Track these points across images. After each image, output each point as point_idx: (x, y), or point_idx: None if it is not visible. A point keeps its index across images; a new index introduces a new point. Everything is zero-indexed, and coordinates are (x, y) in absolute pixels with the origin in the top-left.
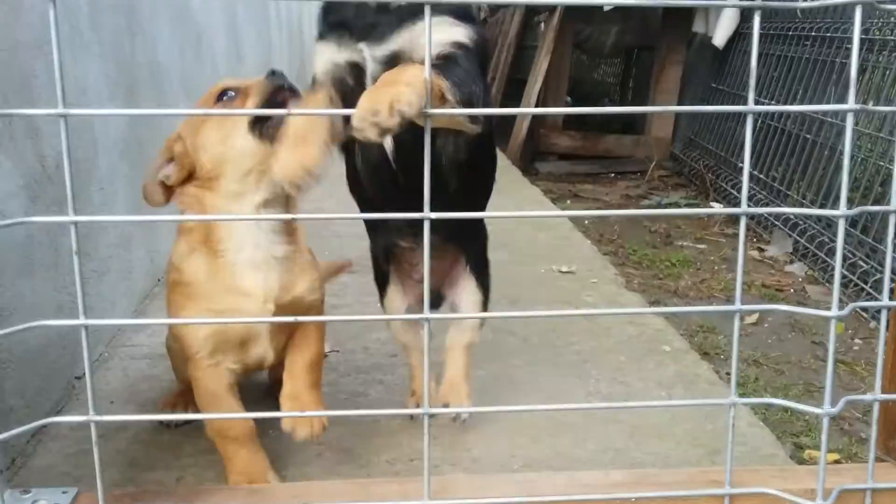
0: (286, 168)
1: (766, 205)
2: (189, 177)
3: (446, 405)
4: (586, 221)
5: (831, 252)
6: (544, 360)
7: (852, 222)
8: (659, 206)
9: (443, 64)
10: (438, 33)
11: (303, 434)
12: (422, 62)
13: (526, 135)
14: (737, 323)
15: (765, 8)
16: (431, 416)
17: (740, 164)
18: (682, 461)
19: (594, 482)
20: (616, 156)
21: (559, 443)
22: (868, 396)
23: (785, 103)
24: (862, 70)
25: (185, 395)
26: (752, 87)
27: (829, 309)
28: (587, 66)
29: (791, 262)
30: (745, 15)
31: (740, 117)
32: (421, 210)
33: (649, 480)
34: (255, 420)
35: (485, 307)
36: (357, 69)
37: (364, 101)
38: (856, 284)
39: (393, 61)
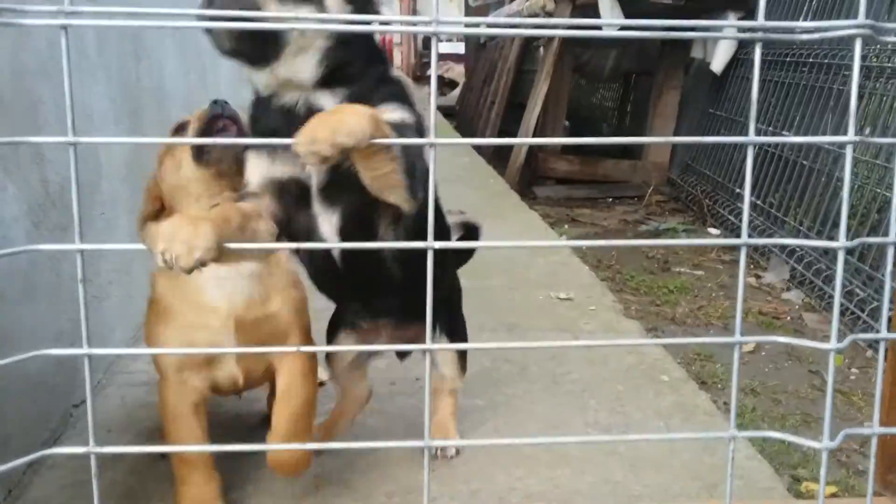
0: None
1: (764, 231)
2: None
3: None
4: (584, 246)
5: (828, 279)
6: (542, 389)
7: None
8: (656, 231)
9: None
10: (387, 113)
11: (284, 474)
12: None
13: (524, 159)
14: (736, 355)
15: (765, 40)
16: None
17: (738, 190)
18: (680, 494)
19: None
20: (614, 181)
21: (558, 475)
22: (867, 430)
23: (783, 129)
24: (860, 96)
25: None
26: (753, 118)
27: (827, 339)
28: (586, 91)
29: (788, 289)
30: (743, 41)
31: (738, 147)
32: (372, 304)
33: None
34: (253, 452)
35: (463, 363)
36: (297, 183)
37: (306, 128)
38: (852, 313)
39: (336, 166)
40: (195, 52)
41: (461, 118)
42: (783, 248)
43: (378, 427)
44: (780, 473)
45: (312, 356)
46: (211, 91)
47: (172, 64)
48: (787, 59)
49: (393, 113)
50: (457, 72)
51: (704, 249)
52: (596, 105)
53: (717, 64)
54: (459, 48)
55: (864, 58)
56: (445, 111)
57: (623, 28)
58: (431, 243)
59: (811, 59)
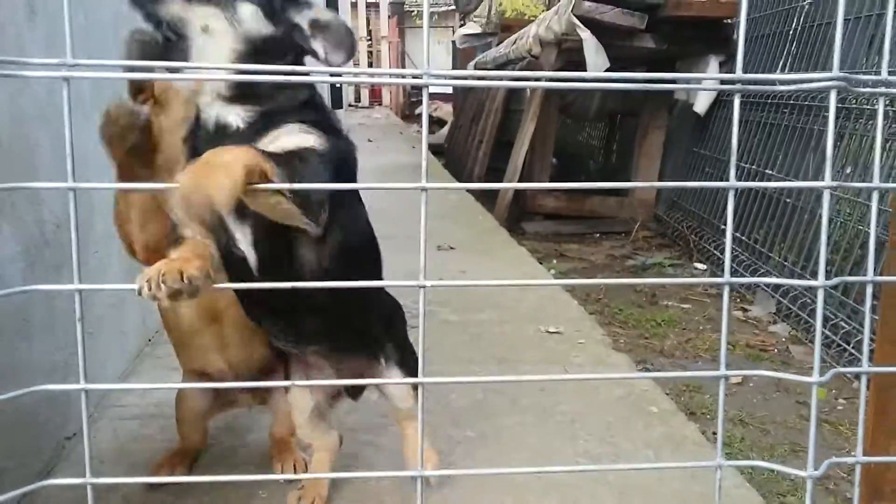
0: None
1: (749, 266)
2: None
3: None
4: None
5: (814, 313)
6: (533, 421)
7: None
8: (643, 265)
9: (286, 157)
10: (287, 140)
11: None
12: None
13: (513, 196)
14: (722, 387)
15: (743, 91)
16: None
17: (722, 227)
18: None
19: None
20: (601, 216)
21: (546, 500)
22: (850, 458)
23: (765, 168)
24: (840, 136)
25: (177, 457)
26: (733, 164)
27: (811, 373)
28: (572, 129)
29: (774, 322)
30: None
31: (721, 180)
32: (296, 326)
33: None
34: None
35: (415, 390)
36: None
37: (180, 188)
38: (838, 345)
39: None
40: None
41: (450, 156)
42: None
43: (371, 458)
44: (769, 501)
45: None
46: None
47: None
48: (770, 100)
49: (289, 138)
50: (445, 111)
51: (692, 286)
52: (583, 143)
53: (700, 105)
54: (448, 87)
55: (843, 100)
56: (434, 149)
57: (606, 80)
58: (423, 281)
59: (792, 101)
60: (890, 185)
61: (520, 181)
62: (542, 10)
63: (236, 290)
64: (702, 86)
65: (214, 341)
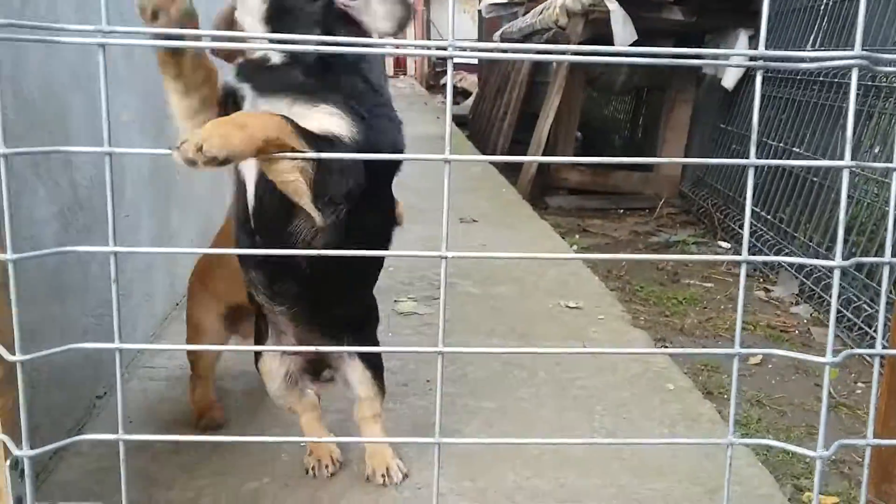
0: None
1: (773, 245)
2: None
3: (373, 471)
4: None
5: (857, 266)
6: (550, 394)
7: (858, 266)
8: (667, 243)
9: (318, 140)
10: (320, 119)
11: None
12: None
13: (536, 170)
14: (735, 366)
15: (766, 68)
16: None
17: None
18: (682, 498)
19: None
20: (625, 192)
21: (564, 476)
22: (860, 441)
23: (792, 146)
24: (869, 116)
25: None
26: (754, 142)
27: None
28: (598, 103)
29: (797, 303)
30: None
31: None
32: (279, 276)
33: None
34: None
35: (380, 382)
36: (235, 96)
37: (206, 127)
38: (860, 328)
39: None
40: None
41: (474, 128)
42: (792, 262)
43: (389, 427)
44: (783, 482)
45: None
46: None
47: None
48: (797, 76)
49: (323, 121)
50: (469, 81)
51: (715, 264)
52: (608, 117)
53: (729, 80)
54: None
55: (873, 77)
56: (458, 120)
57: (632, 54)
58: (444, 252)
59: (821, 78)
60: None
61: (544, 155)
62: None
63: (236, 232)
64: (727, 62)
65: None
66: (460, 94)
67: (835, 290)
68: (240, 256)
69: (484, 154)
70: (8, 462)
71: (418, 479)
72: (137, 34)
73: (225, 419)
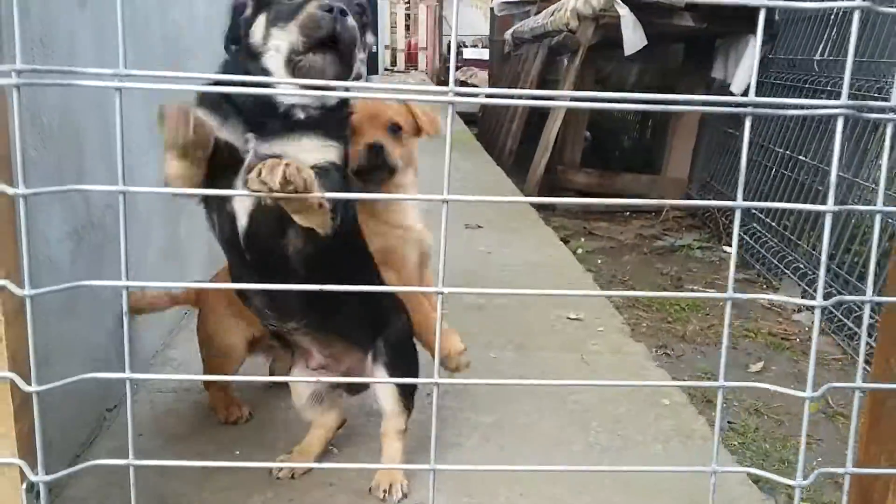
0: None
1: (777, 252)
2: None
3: (377, 485)
4: (598, 261)
5: (838, 304)
6: (548, 409)
7: (859, 276)
8: (672, 247)
9: (318, 172)
10: (315, 152)
11: None
12: None
13: (543, 171)
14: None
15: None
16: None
17: (753, 210)
18: None
19: None
20: (632, 195)
21: (557, 493)
22: (840, 469)
23: (799, 154)
24: (875, 127)
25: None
26: (742, 183)
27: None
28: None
29: (799, 310)
30: (765, 64)
31: (755, 167)
32: (276, 301)
33: None
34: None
35: (407, 400)
36: (232, 150)
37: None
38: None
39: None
40: None
41: (483, 126)
42: (795, 269)
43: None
44: (776, 494)
45: None
46: None
47: None
48: (807, 84)
49: (322, 151)
50: (480, 78)
51: (718, 268)
52: (618, 117)
53: (738, 85)
54: (484, 54)
55: (879, 90)
56: (468, 117)
57: (599, 100)
58: (441, 288)
59: (829, 87)
60: (892, 208)
61: (552, 156)
62: None
63: (224, 252)
64: (709, 108)
65: None
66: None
67: (815, 332)
68: (239, 279)
69: (491, 154)
70: (24, 485)
71: (417, 496)
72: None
73: (248, 412)
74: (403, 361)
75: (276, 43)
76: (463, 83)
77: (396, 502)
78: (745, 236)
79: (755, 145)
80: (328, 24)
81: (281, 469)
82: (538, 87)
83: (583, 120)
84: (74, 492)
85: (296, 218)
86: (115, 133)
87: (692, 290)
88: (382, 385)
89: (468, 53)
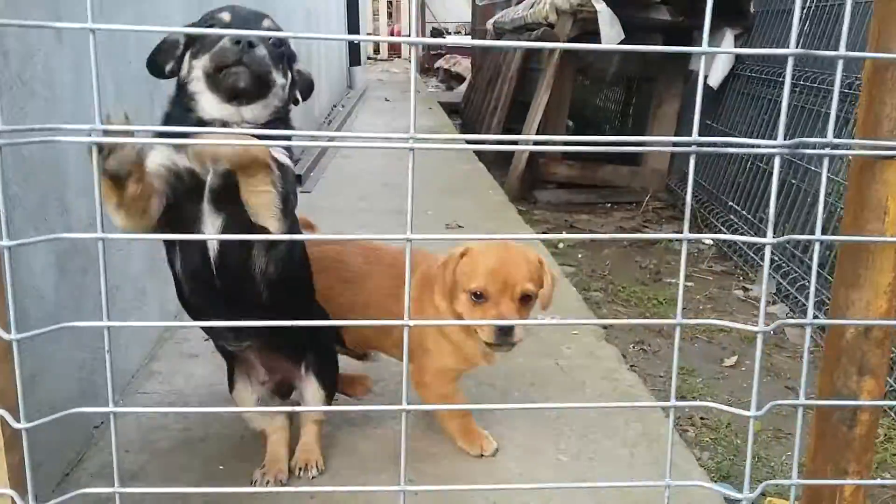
0: None
1: (753, 245)
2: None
3: (306, 463)
4: (579, 255)
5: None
6: (521, 415)
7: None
8: (652, 240)
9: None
10: (277, 153)
11: None
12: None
13: (525, 164)
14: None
15: (698, 153)
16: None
17: (730, 203)
18: None
19: None
20: (613, 186)
21: (527, 500)
22: (786, 481)
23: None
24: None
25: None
26: (688, 218)
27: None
28: (590, 91)
29: (774, 302)
30: (740, 57)
31: (732, 158)
32: (238, 317)
33: None
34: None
35: (328, 400)
36: (193, 177)
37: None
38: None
39: (229, 174)
40: None
41: (466, 118)
42: (771, 261)
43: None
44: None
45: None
46: None
47: None
48: (780, 78)
49: (281, 155)
50: (464, 66)
51: (696, 260)
52: (600, 106)
53: (714, 79)
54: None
55: (849, 85)
56: (452, 107)
57: (578, 142)
58: (407, 322)
59: (801, 82)
60: (829, 237)
61: (532, 151)
62: None
63: (187, 284)
64: (657, 147)
65: None
66: (454, 78)
67: (766, 267)
68: (200, 313)
69: (474, 152)
70: None
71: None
72: (129, 133)
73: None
74: (328, 368)
75: (197, 73)
76: (447, 71)
77: (311, 478)
78: (723, 228)
79: (729, 136)
80: (235, 54)
81: (267, 481)
82: (519, 81)
83: (563, 110)
84: None
85: (247, 195)
86: (96, 196)
87: (670, 284)
88: (311, 390)
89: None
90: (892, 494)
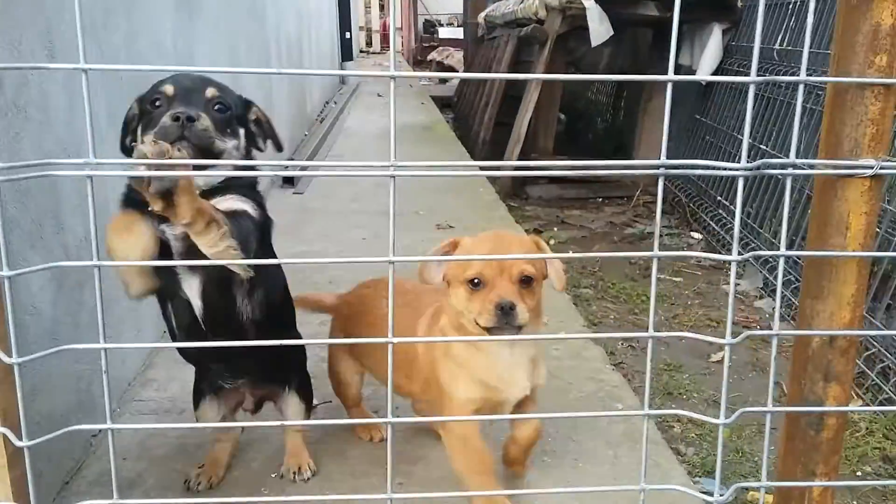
0: None
1: (741, 239)
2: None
3: (298, 467)
4: (570, 251)
5: (797, 291)
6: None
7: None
8: (641, 235)
9: (229, 214)
10: (229, 203)
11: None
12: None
13: (517, 159)
14: (646, 425)
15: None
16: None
17: (719, 197)
18: None
19: None
20: (604, 180)
21: (514, 500)
22: (755, 483)
23: (761, 143)
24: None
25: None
26: (658, 237)
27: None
28: (581, 84)
29: (761, 297)
30: (729, 51)
31: (719, 153)
32: (233, 364)
33: None
34: None
35: (307, 413)
36: (163, 244)
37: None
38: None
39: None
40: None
41: (458, 112)
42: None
43: (356, 455)
44: (728, 484)
45: None
46: None
47: None
48: (768, 74)
49: (233, 203)
50: (457, 59)
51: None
52: (591, 99)
53: (703, 73)
54: (459, 33)
55: None
56: (444, 101)
57: (569, 167)
58: (391, 339)
59: (787, 76)
60: (792, 252)
61: (525, 143)
62: None
63: (177, 334)
64: (626, 172)
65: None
66: (447, 71)
67: (731, 283)
68: (195, 358)
69: (466, 144)
70: None
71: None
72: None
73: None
74: (306, 385)
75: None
76: (440, 64)
77: (306, 480)
78: (711, 223)
79: (718, 131)
80: (175, 132)
81: (199, 482)
82: (511, 68)
83: (554, 106)
84: None
85: (206, 250)
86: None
87: (659, 279)
88: (292, 403)
89: (443, 33)
90: (872, 488)
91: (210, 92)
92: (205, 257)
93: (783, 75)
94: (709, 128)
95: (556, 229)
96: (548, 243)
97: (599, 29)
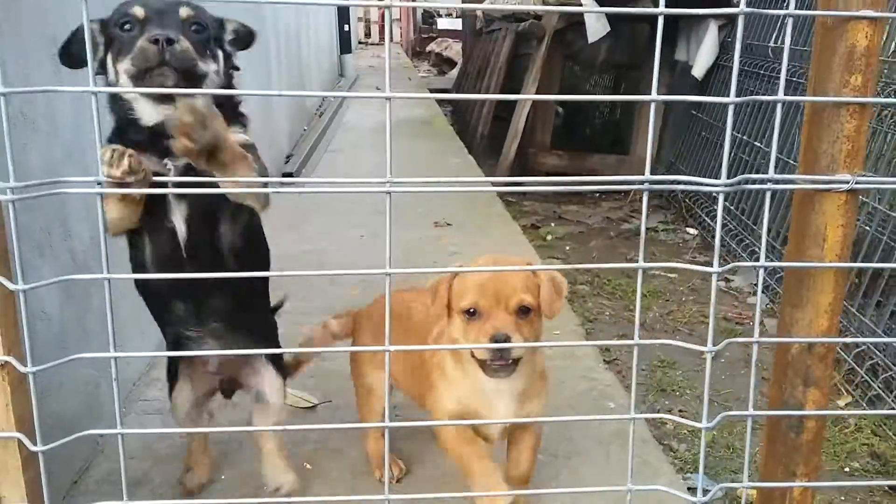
0: None
1: (735, 235)
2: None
3: (277, 486)
4: (567, 247)
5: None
6: None
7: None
8: (636, 230)
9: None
10: (239, 137)
11: None
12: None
13: (515, 154)
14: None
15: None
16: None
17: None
18: None
19: None
20: (601, 175)
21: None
22: (737, 484)
23: (755, 140)
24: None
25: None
26: (643, 248)
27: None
28: (581, 78)
29: (754, 293)
30: (724, 47)
31: (715, 148)
32: (204, 301)
33: None
34: None
35: (284, 390)
36: (157, 174)
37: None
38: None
39: (189, 166)
40: None
41: (457, 106)
42: (751, 253)
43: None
44: (719, 480)
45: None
46: None
47: None
48: (762, 71)
49: (239, 135)
50: (455, 50)
51: (681, 251)
52: (589, 93)
53: (699, 69)
54: (457, 24)
55: None
56: (442, 92)
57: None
58: (388, 269)
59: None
60: (771, 263)
61: (523, 139)
62: None
63: (153, 261)
64: (610, 186)
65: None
66: (446, 62)
67: (713, 297)
68: (164, 296)
69: (464, 138)
70: None
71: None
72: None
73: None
74: (278, 356)
75: (123, 78)
76: (439, 55)
77: (286, 494)
78: (706, 218)
79: (714, 127)
80: (156, 56)
81: (194, 481)
82: (508, 69)
83: (552, 102)
84: None
85: (229, 184)
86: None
87: (654, 276)
88: (271, 382)
89: (442, 24)
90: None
91: (185, 12)
92: (195, 185)
93: (777, 74)
94: (705, 123)
95: (553, 224)
96: (544, 238)
97: (596, 26)
